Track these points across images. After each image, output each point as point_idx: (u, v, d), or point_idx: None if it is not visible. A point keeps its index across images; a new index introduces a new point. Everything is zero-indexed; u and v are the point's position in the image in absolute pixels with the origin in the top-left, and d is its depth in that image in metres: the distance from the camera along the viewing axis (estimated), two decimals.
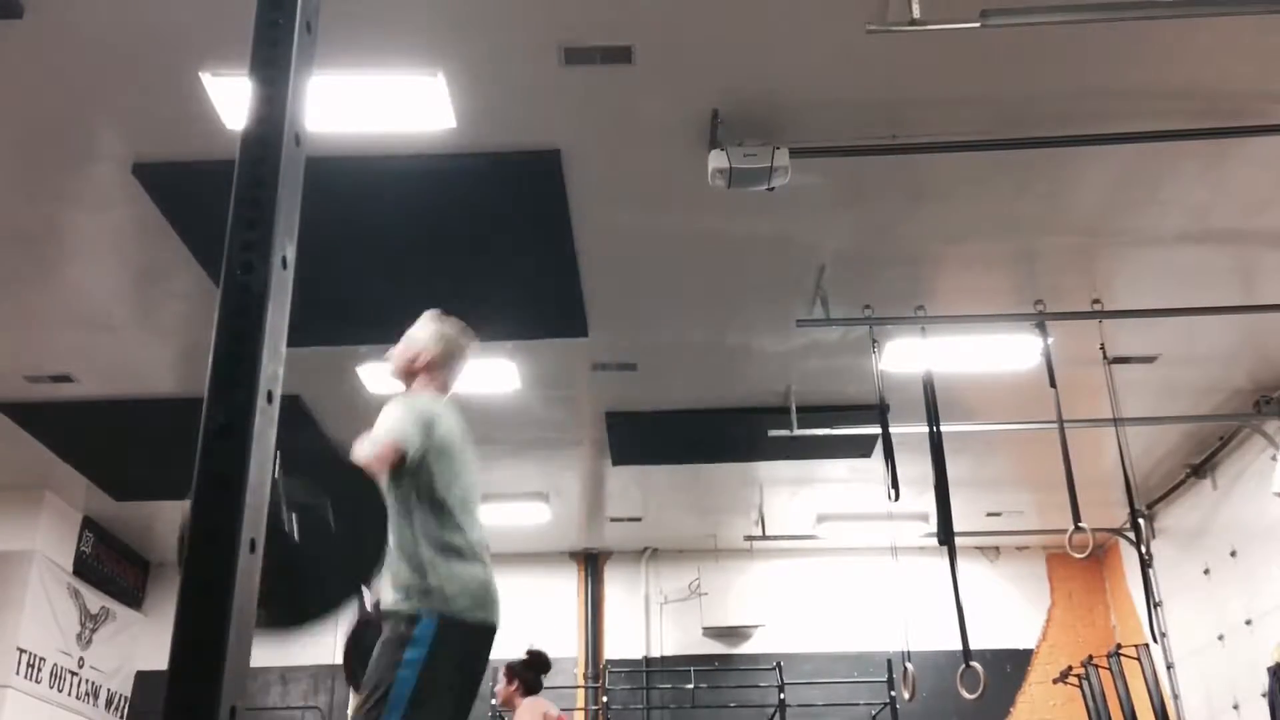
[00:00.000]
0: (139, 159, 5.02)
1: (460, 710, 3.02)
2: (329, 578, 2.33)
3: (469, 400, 7.25)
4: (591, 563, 10.43)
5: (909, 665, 7.54)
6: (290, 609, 2.20)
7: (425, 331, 3.42)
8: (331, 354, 6.65)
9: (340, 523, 2.30)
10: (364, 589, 2.85)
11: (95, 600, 9.27)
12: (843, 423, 7.35)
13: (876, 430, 6.58)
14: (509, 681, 5.87)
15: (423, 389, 3.33)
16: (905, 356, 6.64)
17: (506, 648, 9.43)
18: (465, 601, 3.00)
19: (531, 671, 5.93)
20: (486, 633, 3.08)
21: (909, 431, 6.62)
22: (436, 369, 3.37)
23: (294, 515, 2.15)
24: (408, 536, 3.03)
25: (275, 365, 1.15)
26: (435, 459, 3.11)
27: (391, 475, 3.01)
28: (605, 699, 9.63)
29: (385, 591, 3.00)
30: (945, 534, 6.06)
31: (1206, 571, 8.44)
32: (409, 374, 3.37)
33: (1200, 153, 5.15)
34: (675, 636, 10.19)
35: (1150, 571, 6.53)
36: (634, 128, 4.95)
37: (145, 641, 9.81)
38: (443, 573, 3.00)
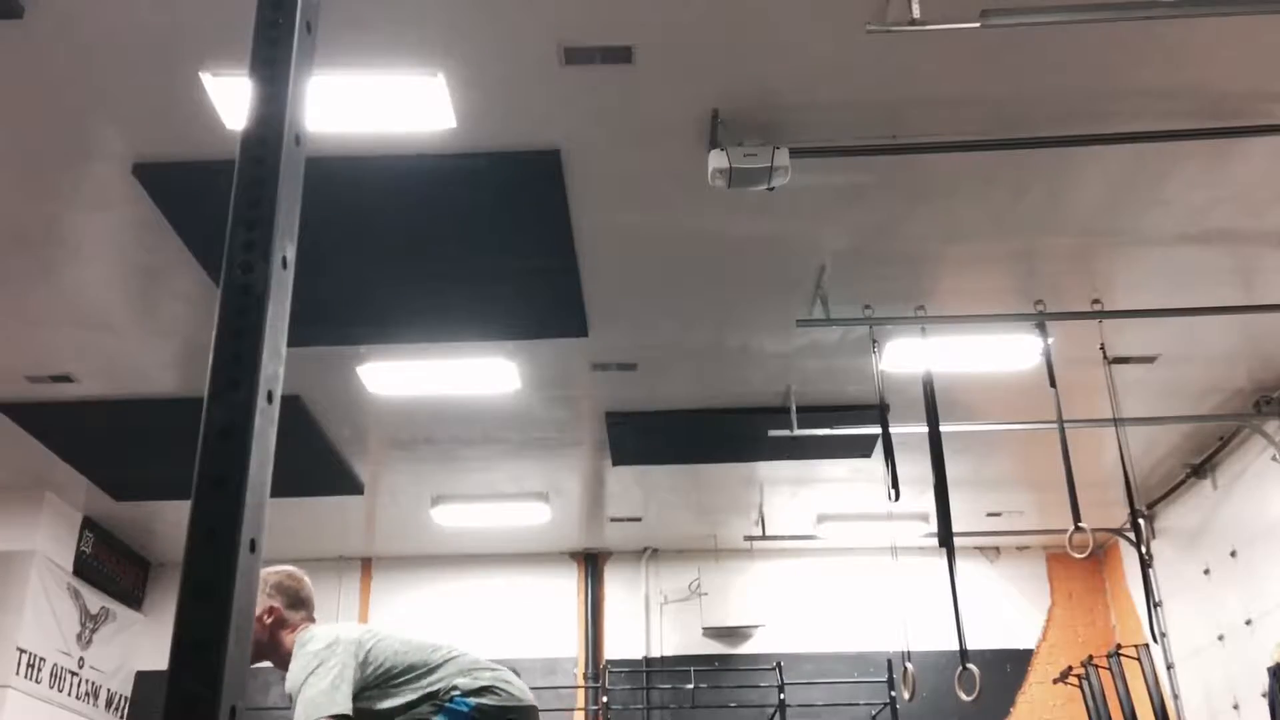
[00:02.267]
0: (139, 159, 5.02)
1: None
2: None
3: (469, 400, 7.30)
4: (591, 563, 10.42)
5: (909, 665, 7.53)
6: None
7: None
8: (331, 354, 6.65)
9: None
10: None
11: (95, 600, 9.27)
12: (843, 423, 7.35)
13: (876, 430, 6.58)
14: None
15: (301, 633, 3.27)
16: (905, 356, 6.63)
17: (511, 647, 9.43)
18: (487, 693, 3.12)
19: None
20: (524, 711, 3.16)
21: (909, 431, 6.62)
22: (291, 610, 3.33)
23: None
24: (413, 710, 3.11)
25: (275, 365, 1.15)
26: (372, 671, 3.13)
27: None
28: (605, 699, 9.62)
29: None
30: (945, 534, 6.05)
31: (1206, 571, 8.44)
32: (274, 638, 3.28)
33: (1200, 153, 5.14)
34: (675, 636, 10.18)
35: (1150, 571, 6.52)
36: (634, 128, 4.95)
37: (145, 641, 9.80)
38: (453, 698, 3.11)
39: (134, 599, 9.93)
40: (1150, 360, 6.93)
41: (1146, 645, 8.19)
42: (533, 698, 3.28)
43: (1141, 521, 7.43)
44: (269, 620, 3.27)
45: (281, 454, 1.17)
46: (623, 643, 10.15)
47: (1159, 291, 6.13)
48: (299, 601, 3.35)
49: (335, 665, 3.03)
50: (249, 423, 1.09)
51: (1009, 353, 6.71)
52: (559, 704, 9.61)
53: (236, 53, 4.34)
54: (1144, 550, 6.71)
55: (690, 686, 9.40)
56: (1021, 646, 10.02)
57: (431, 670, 3.17)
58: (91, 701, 9.16)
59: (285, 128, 1.23)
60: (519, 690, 3.23)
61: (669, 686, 9.63)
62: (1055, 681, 9.22)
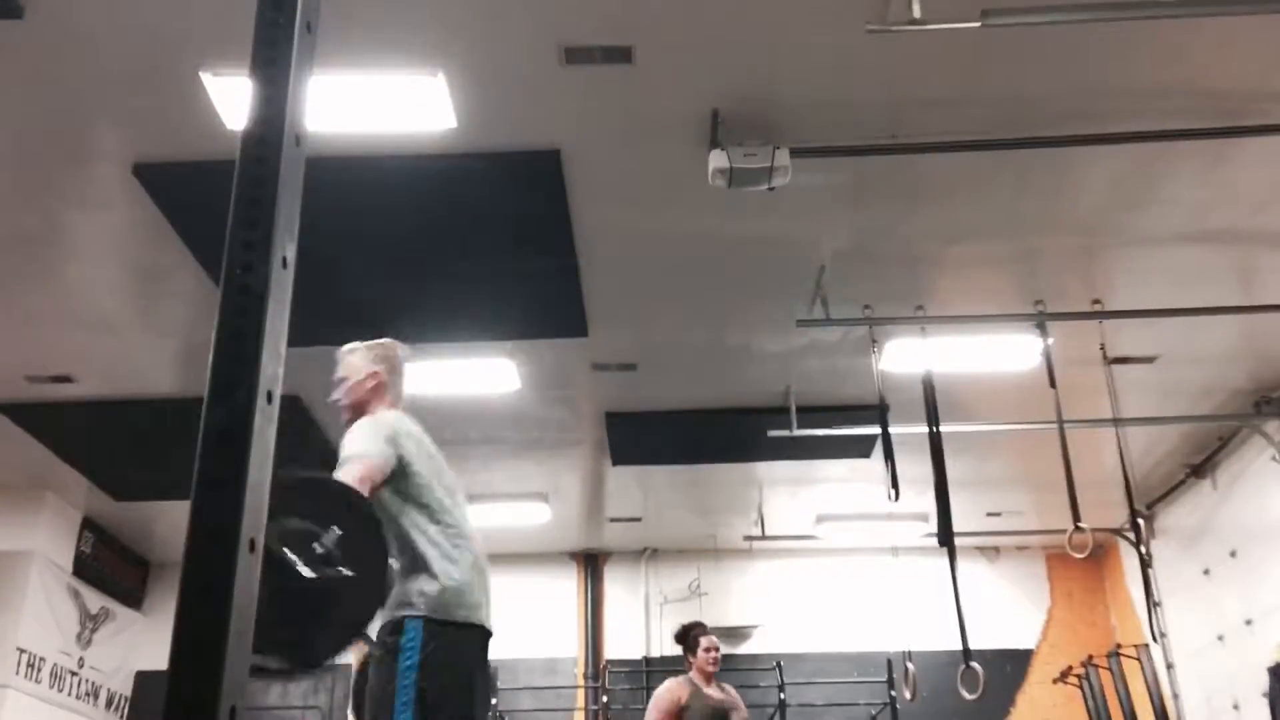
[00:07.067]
0: (139, 159, 5.02)
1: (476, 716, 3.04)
2: (337, 617, 2.38)
3: (469, 400, 7.30)
4: (591, 563, 10.42)
5: (910, 665, 7.53)
6: (302, 651, 2.29)
7: (360, 358, 3.47)
8: (331, 354, 6.64)
9: (347, 558, 2.34)
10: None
11: (95, 600, 9.27)
12: (842, 423, 7.35)
13: (876, 430, 6.58)
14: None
15: (378, 410, 3.37)
16: (905, 356, 6.63)
17: (511, 648, 9.40)
18: (450, 602, 3.02)
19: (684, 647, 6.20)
20: (474, 632, 3.08)
21: (909, 431, 6.61)
22: (386, 388, 3.44)
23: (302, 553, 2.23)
24: (395, 541, 3.07)
25: (275, 365, 1.15)
26: (410, 467, 3.16)
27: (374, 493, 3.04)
28: (605, 699, 9.62)
29: None
30: (945, 534, 6.05)
31: (1206, 572, 8.44)
32: (363, 403, 3.41)
33: (1200, 153, 5.14)
34: None
35: (1150, 572, 6.52)
36: (634, 128, 4.95)
37: (145, 641, 9.80)
38: (424, 578, 3.02)
39: (134, 599, 9.93)
40: (1150, 360, 6.93)
41: (1146, 645, 8.20)
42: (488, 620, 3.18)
43: (1141, 521, 7.42)
44: (371, 385, 3.38)
45: (281, 454, 1.17)
46: (623, 642, 10.15)
47: (1159, 291, 6.13)
48: (394, 374, 3.46)
49: (391, 444, 3.10)
50: (249, 423, 1.09)
51: (1009, 353, 6.71)
52: (559, 704, 9.62)
53: (236, 53, 4.34)
54: (1144, 550, 6.71)
55: None
56: (1021, 646, 10.03)
57: (440, 530, 3.11)
58: (91, 701, 9.16)
59: (285, 128, 1.23)
60: (482, 618, 3.13)
61: None
62: (1055, 681, 9.23)
